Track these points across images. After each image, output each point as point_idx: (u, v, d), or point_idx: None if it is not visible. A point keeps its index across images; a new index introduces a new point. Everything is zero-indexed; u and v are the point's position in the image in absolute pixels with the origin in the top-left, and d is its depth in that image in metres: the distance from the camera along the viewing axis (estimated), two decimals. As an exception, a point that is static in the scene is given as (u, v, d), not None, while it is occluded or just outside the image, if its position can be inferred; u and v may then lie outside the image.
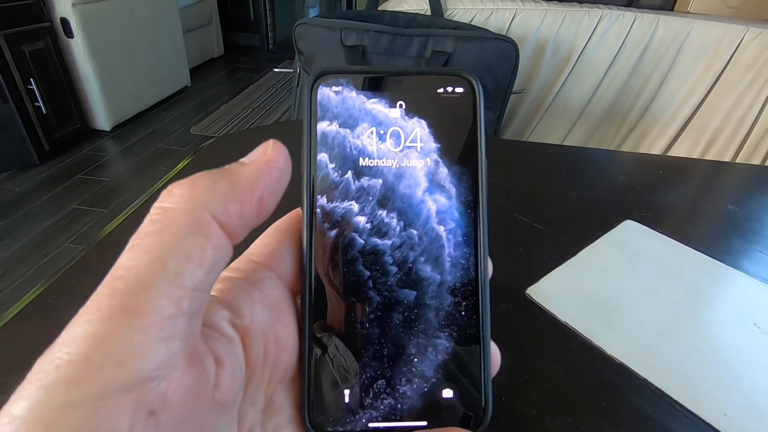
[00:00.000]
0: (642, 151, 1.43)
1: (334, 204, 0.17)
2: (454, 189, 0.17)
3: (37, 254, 1.49)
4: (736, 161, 1.31)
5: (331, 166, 0.17)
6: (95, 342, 0.11)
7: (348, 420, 0.16)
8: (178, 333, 0.12)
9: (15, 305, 0.35)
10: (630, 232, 0.49)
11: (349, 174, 0.17)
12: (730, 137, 1.32)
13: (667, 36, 1.30)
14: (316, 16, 1.18)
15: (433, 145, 0.17)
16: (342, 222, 0.17)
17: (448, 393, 0.16)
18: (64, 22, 1.94)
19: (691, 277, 0.44)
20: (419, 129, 0.17)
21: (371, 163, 0.17)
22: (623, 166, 0.67)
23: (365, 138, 0.17)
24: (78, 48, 2.00)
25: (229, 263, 0.15)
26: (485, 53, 1.13)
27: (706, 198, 0.61)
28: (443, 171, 0.17)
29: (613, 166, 0.67)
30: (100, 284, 0.12)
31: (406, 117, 0.18)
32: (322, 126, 0.17)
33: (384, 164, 0.17)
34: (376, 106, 0.17)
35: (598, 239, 0.48)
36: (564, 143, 1.48)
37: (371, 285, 0.17)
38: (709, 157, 1.35)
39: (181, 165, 0.57)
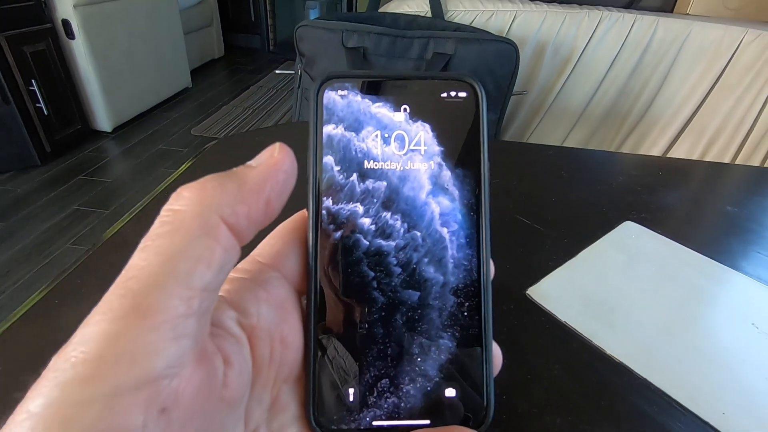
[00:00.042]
0: (642, 152, 1.43)
1: (339, 206, 0.17)
2: (457, 191, 0.18)
3: (38, 255, 1.49)
4: (736, 162, 1.31)
5: (336, 168, 0.17)
6: (109, 341, 0.11)
7: (352, 418, 0.16)
8: (189, 332, 0.12)
9: (22, 305, 0.36)
10: (630, 233, 0.50)
11: (354, 176, 0.17)
12: (729, 138, 1.32)
13: (667, 37, 1.31)
14: (316, 18, 1.18)
15: (436, 149, 0.18)
16: (347, 223, 0.17)
17: (450, 392, 0.17)
18: (66, 23, 1.94)
19: (690, 277, 0.44)
20: (423, 132, 0.18)
21: (376, 165, 0.18)
22: (623, 168, 0.67)
23: (370, 141, 0.18)
24: (79, 49, 2.00)
25: (236, 264, 0.15)
26: (486, 55, 1.13)
27: (705, 199, 0.62)
28: (446, 174, 0.18)
29: (612, 168, 0.68)
30: (113, 284, 0.12)
31: (411, 121, 0.18)
32: (328, 129, 0.17)
33: (388, 167, 0.18)
34: (380, 109, 0.18)
35: (598, 240, 0.48)
36: (564, 144, 1.48)
37: (375, 285, 0.17)
38: (709, 158, 1.35)
39: (183, 167, 0.57)
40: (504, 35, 1.31)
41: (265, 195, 0.14)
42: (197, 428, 0.12)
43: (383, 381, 0.17)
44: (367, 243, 0.17)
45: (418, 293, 0.17)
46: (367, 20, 1.21)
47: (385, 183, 0.17)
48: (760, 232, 0.52)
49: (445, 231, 0.17)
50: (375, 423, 0.16)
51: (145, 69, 2.40)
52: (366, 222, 0.17)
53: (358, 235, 0.17)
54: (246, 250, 0.15)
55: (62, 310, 0.36)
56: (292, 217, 0.18)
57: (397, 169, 0.18)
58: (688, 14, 1.38)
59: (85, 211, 1.71)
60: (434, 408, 0.17)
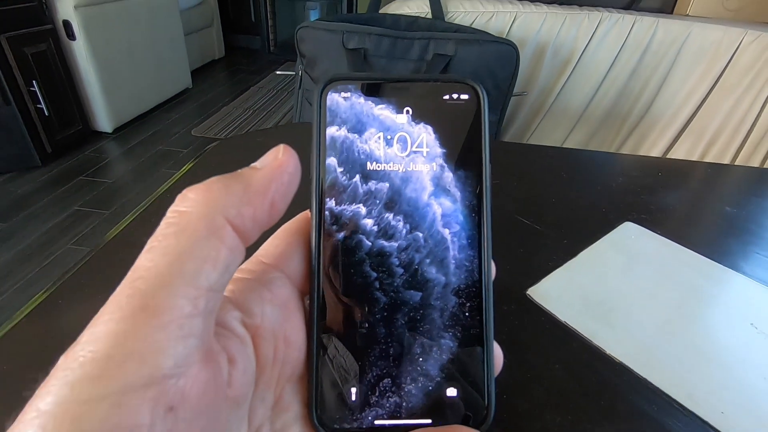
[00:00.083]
0: (642, 152, 1.43)
1: (342, 207, 0.17)
2: (458, 193, 0.18)
3: (40, 255, 1.49)
4: (735, 163, 1.31)
5: (339, 169, 0.17)
6: (117, 340, 0.11)
7: (354, 417, 0.16)
8: (195, 332, 0.12)
9: (27, 304, 0.36)
10: (629, 234, 0.50)
11: (357, 178, 0.18)
12: (729, 139, 1.32)
13: (667, 39, 1.31)
14: (317, 20, 1.18)
15: (438, 150, 0.18)
16: (349, 224, 0.17)
17: (452, 392, 0.17)
18: (66, 24, 1.95)
19: (689, 278, 0.44)
20: (425, 134, 0.18)
21: (378, 167, 0.18)
22: (622, 169, 0.68)
23: (373, 143, 0.18)
24: (80, 50, 2.01)
25: (241, 264, 0.15)
26: (486, 56, 1.13)
27: (704, 200, 0.62)
28: (448, 175, 0.18)
29: (612, 169, 0.68)
30: (120, 285, 0.12)
31: (413, 123, 0.18)
32: (331, 131, 0.18)
33: (391, 168, 0.18)
34: (383, 111, 0.18)
35: (598, 241, 0.48)
36: (564, 145, 1.48)
37: (377, 286, 0.17)
38: (709, 158, 1.35)
39: (185, 168, 0.57)
40: (504, 36, 1.32)
41: (270, 196, 0.15)
42: (203, 427, 0.12)
43: (385, 380, 0.17)
44: (370, 244, 0.17)
45: (420, 294, 0.17)
46: (367, 21, 1.21)
47: (387, 184, 0.18)
48: (759, 232, 0.53)
49: (446, 232, 0.18)
50: (377, 422, 0.16)
51: (145, 70, 2.40)
52: (368, 223, 0.17)
53: (360, 235, 0.17)
54: (250, 250, 0.15)
55: (67, 310, 0.36)
56: (295, 217, 0.18)
57: (400, 171, 0.18)
58: (687, 15, 1.38)
59: (86, 211, 1.71)
60: (436, 407, 0.17)
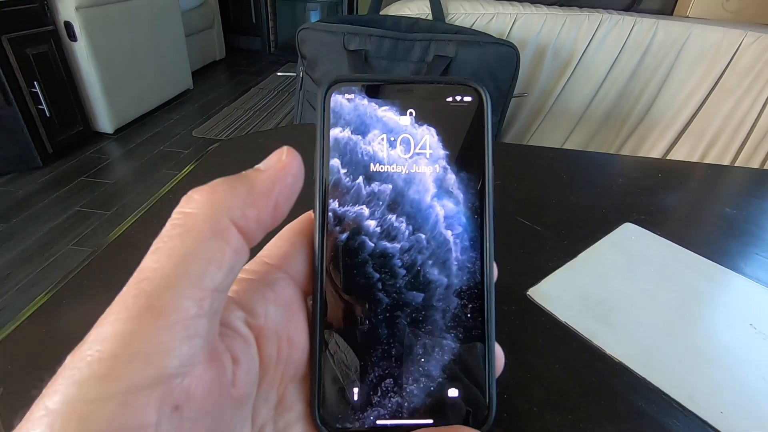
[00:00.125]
0: (642, 154, 1.43)
1: (346, 208, 0.17)
2: (461, 195, 0.18)
3: (41, 256, 1.49)
4: (735, 164, 1.31)
5: (343, 171, 0.18)
6: (124, 340, 0.11)
7: (356, 417, 0.16)
8: (200, 332, 0.12)
9: (30, 305, 0.36)
10: (629, 235, 0.50)
11: (361, 179, 0.18)
12: (729, 140, 1.33)
13: (667, 40, 1.31)
14: (318, 21, 1.18)
15: (441, 152, 0.18)
16: (353, 225, 0.17)
17: (453, 392, 0.17)
18: (68, 25, 1.95)
19: (689, 278, 0.44)
20: (428, 136, 0.18)
21: (382, 168, 0.18)
22: (622, 170, 0.68)
23: (376, 144, 0.18)
24: (81, 51, 2.01)
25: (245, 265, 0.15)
26: (486, 57, 1.14)
27: (704, 201, 0.62)
28: (451, 177, 0.18)
29: (612, 170, 0.68)
30: (126, 285, 0.12)
31: (416, 124, 0.18)
32: (335, 132, 0.18)
33: (394, 170, 0.18)
34: (387, 113, 0.18)
35: (598, 242, 0.48)
36: (564, 146, 1.48)
37: (380, 287, 0.17)
38: (709, 160, 1.36)
39: (186, 169, 0.57)
40: (505, 38, 1.32)
41: (274, 198, 0.15)
42: (208, 426, 0.13)
43: (387, 381, 0.17)
44: (373, 245, 0.17)
45: (423, 295, 0.17)
46: (368, 23, 1.21)
47: (390, 186, 0.18)
48: (758, 233, 0.53)
49: (449, 234, 0.18)
50: (379, 422, 0.17)
51: (146, 71, 2.41)
52: (371, 224, 0.17)
53: (363, 237, 0.17)
54: (253, 251, 0.15)
55: (69, 311, 0.36)
56: (298, 218, 0.18)
57: (403, 172, 0.18)
58: (687, 17, 1.38)
59: (87, 212, 1.71)
60: (437, 408, 0.17)
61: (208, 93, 2.89)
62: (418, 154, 0.18)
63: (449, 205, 0.18)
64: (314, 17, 3.52)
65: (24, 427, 0.10)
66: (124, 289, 0.12)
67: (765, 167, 1.26)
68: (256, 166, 0.15)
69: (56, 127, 1.96)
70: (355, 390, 0.17)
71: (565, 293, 0.41)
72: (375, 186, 0.18)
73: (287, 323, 0.16)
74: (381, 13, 1.36)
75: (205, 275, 0.13)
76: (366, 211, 0.17)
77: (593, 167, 0.69)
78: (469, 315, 0.17)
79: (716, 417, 0.32)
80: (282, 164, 0.15)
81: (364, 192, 0.18)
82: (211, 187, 0.14)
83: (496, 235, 0.18)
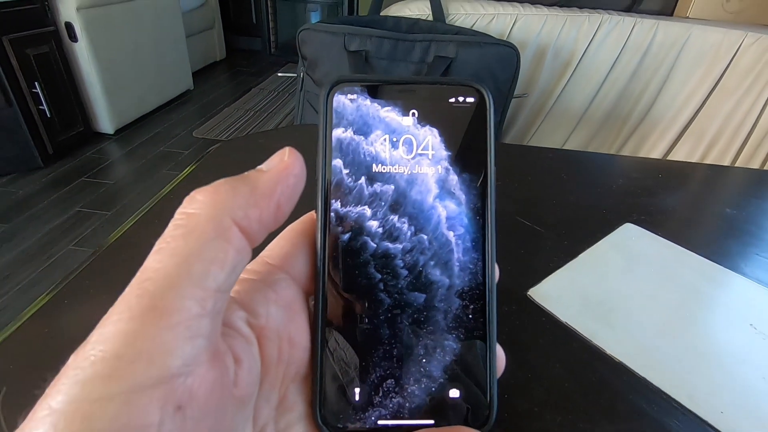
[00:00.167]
0: (642, 154, 1.43)
1: (348, 208, 0.17)
2: (463, 196, 0.18)
3: (41, 257, 1.49)
4: (735, 165, 1.31)
5: (345, 171, 0.18)
6: (127, 339, 0.11)
7: (357, 417, 0.17)
8: (203, 332, 0.12)
9: (32, 305, 0.36)
10: (629, 235, 0.50)
11: (363, 179, 0.18)
12: (729, 141, 1.33)
13: (667, 41, 1.31)
14: (319, 22, 1.19)
15: (444, 153, 0.18)
16: (355, 226, 0.17)
17: (454, 393, 0.17)
18: (69, 26, 1.95)
19: (689, 279, 0.44)
20: (431, 137, 0.18)
21: (384, 169, 0.18)
22: (623, 170, 0.68)
23: (379, 145, 0.18)
24: (82, 52, 2.01)
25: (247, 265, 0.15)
26: (487, 58, 1.14)
27: (704, 201, 0.62)
28: (453, 178, 0.18)
29: (612, 170, 0.68)
30: (129, 285, 0.12)
31: (419, 125, 0.18)
32: (337, 133, 0.18)
33: (396, 171, 0.18)
34: (389, 114, 0.18)
35: (598, 242, 0.48)
36: (564, 147, 1.48)
37: (382, 287, 0.17)
38: (709, 160, 1.36)
39: (187, 170, 0.57)
40: (505, 38, 1.32)
41: (276, 198, 0.15)
42: (210, 425, 0.13)
43: (389, 381, 0.17)
44: (375, 245, 0.17)
45: (424, 295, 0.17)
46: (368, 24, 1.21)
47: (392, 186, 0.18)
48: (759, 234, 0.53)
49: (451, 234, 0.18)
50: (380, 422, 0.17)
51: (147, 71, 2.41)
52: (373, 225, 0.17)
53: (365, 237, 0.17)
54: (255, 251, 0.15)
55: (71, 311, 0.36)
56: (300, 219, 0.18)
57: (405, 173, 0.18)
58: (687, 17, 1.38)
59: (88, 212, 1.71)
60: (438, 408, 0.17)
61: (209, 93, 2.90)
62: (420, 154, 0.18)
63: (451, 205, 0.18)
64: (315, 18, 3.52)
65: (28, 426, 0.11)
66: (127, 289, 0.12)
67: (765, 168, 1.26)
68: (259, 167, 0.15)
69: (57, 128, 1.97)
70: (357, 390, 0.17)
71: (566, 293, 0.41)
72: (377, 186, 0.18)
73: (288, 323, 0.16)
74: (381, 13, 1.37)
75: (208, 275, 0.13)
76: (368, 211, 0.17)
77: (593, 168, 0.69)
78: (470, 316, 0.17)
79: (716, 417, 0.32)
80: (284, 165, 0.15)
81: (366, 192, 0.18)
82: (214, 187, 0.14)
83: (497, 235, 0.18)
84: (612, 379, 0.34)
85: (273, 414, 0.16)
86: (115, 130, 2.26)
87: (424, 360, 0.17)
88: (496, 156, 0.18)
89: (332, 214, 0.17)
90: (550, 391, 0.33)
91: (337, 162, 0.18)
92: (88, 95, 2.13)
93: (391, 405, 0.17)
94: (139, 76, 2.36)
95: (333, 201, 0.17)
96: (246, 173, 0.15)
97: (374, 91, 0.18)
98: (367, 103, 0.18)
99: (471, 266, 0.18)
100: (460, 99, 0.18)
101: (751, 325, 0.40)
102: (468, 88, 0.18)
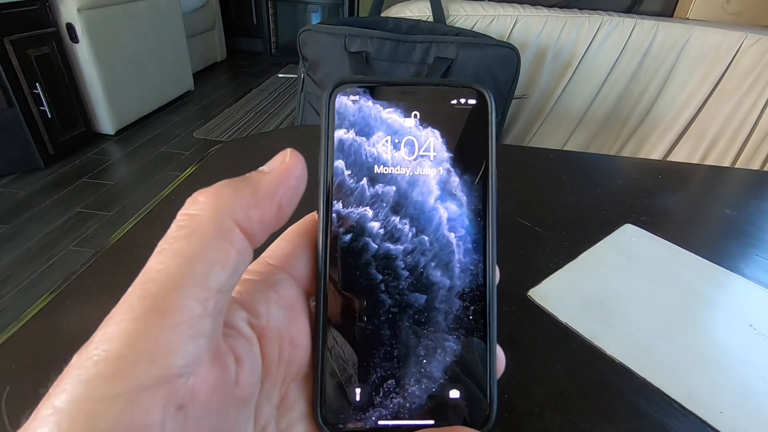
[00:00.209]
0: (642, 155, 1.43)
1: (349, 209, 0.17)
2: (464, 197, 0.18)
3: (42, 257, 1.49)
4: (736, 166, 1.31)
5: (347, 172, 0.18)
6: (129, 340, 0.11)
7: (358, 417, 0.17)
8: (205, 332, 0.12)
9: (33, 305, 0.36)
10: (629, 236, 0.50)
11: (365, 181, 0.18)
12: (729, 142, 1.33)
13: (667, 42, 1.31)
14: (319, 23, 1.19)
15: (445, 155, 0.18)
16: (356, 227, 0.17)
17: (455, 393, 0.17)
18: (70, 27, 1.95)
19: (689, 280, 0.44)
20: (433, 138, 0.18)
21: (386, 170, 0.18)
22: (623, 171, 0.68)
23: (380, 146, 0.18)
24: (83, 53, 2.01)
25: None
26: (487, 59, 1.14)
27: (704, 202, 0.62)
28: (455, 180, 0.18)
29: (612, 171, 0.68)
30: (131, 286, 0.12)
31: (421, 127, 0.18)
32: (339, 134, 0.18)
33: (398, 172, 0.18)
34: (391, 115, 0.18)
35: (598, 243, 0.48)
36: (565, 148, 1.48)
37: (383, 288, 0.17)
38: (709, 161, 1.36)
39: (188, 171, 0.57)
40: (505, 40, 1.32)
41: (278, 200, 0.15)
42: (211, 425, 0.13)
43: (389, 381, 0.17)
44: (376, 246, 0.17)
45: (425, 296, 0.17)
46: (369, 25, 1.22)
47: (394, 188, 0.18)
48: (758, 235, 0.53)
49: (452, 236, 0.18)
50: (380, 422, 0.17)
51: (148, 72, 2.41)
52: (375, 226, 0.18)
53: (366, 238, 0.17)
54: (257, 252, 0.15)
55: (73, 311, 0.36)
56: (302, 219, 0.18)
57: (407, 174, 0.18)
58: (687, 19, 1.39)
59: (88, 213, 1.71)
60: (438, 408, 0.17)
61: (209, 94, 2.90)
62: (422, 156, 0.18)
63: (452, 207, 0.18)
64: (315, 19, 3.52)
65: (31, 425, 0.11)
66: (130, 289, 0.12)
67: (765, 169, 1.26)
68: (260, 168, 0.15)
69: (58, 129, 1.97)
70: (357, 390, 0.17)
71: (566, 294, 0.41)
72: (379, 188, 0.18)
73: (289, 324, 0.16)
74: (382, 14, 1.37)
75: (210, 276, 0.13)
76: (369, 212, 0.18)
77: (593, 169, 0.69)
78: (470, 317, 0.17)
79: (716, 417, 0.32)
80: (286, 166, 0.15)
81: (367, 193, 0.18)
82: (216, 189, 0.14)
83: (498, 237, 0.18)
84: (612, 379, 0.34)
85: (274, 413, 0.16)
86: (115, 131, 2.26)
87: (424, 360, 0.17)
88: (497, 157, 0.18)
89: (334, 214, 0.17)
90: (549, 391, 0.33)
91: (339, 163, 0.18)
92: (89, 96, 2.13)
93: (391, 405, 0.17)
94: (140, 77, 2.36)
95: (335, 202, 0.17)
96: (247, 175, 0.15)
97: (376, 93, 0.18)
98: (369, 105, 0.18)
99: (472, 267, 0.18)
100: (462, 101, 0.18)
101: (750, 325, 0.40)
102: (469, 89, 0.18)
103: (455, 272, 0.18)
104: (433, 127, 0.18)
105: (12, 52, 1.72)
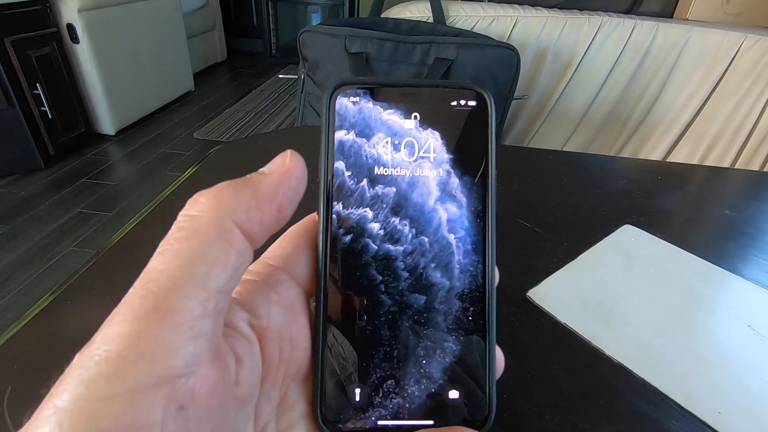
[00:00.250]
0: (642, 156, 1.43)
1: (349, 210, 0.18)
2: (464, 199, 0.18)
3: (42, 257, 1.49)
4: (735, 167, 1.31)
5: (347, 173, 0.18)
6: (131, 340, 0.12)
7: (358, 417, 0.17)
8: (205, 332, 0.13)
9: (35, 305, 0.36)
10: (629, 237, 0.50)
11: (365, 182, 0.18)
12: (728, 143, 1.33)
13: (667, 43, 1.31)
14: (319, 24, 1.19)
15: (445, 156, 0.18)
16: (356, 228, 0.18)
17: (454, 394, 0.17)
18: (70, 27, 1.96)
19: (688, 280, 0.45)
20: (433, 140, 0.18)
21: (386, 171, 0.18)
22: (622, 172, 0.68)
23: (381, 147, 0.18)
24: (83, 53, 2.02)
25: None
26: (487, 60, 1.14)
27: (703, 203, 0.62)
28: (455, 181, 0.18)
29: (612, 172, 0.68)
30: (132, 286, 0.13)
31: (421, 128, 0.18)
32: (340, 135, 0.18)
33: (398, 173, 0.18)
34: (391, 116, 0.18)
35: (598, 243, 0.49)
36: (564, 149, 1.48)
37: (383, 289, 0.17)
38: (709, 162, 1.36)
39: (189, 171, 0.58)
40: (505, 40, 1.32)
41: (278, 201, 0.15)
42: (212, 425, 0.13)
43: (389, 382, 0.17)
44: (376, 247, 0.18)
45: (425, 297, 0.18)
46: (369, 26, 1.22)
47: (394, 189, 0.18)
48: (758, 235, 0.53)
49: (452, 237, 0.18)
50: (380, 422, 0.17)
51: (148, 73, 2.41)
52: (375, 227, 0.18)
53: (366, 239, 0.17)
54: (257, 252, 0.15)
55: (74, 311, 0.36)
56: (302, 220, 0.18)
57: (407, 176, 0.18)
58: (687, 20, 1.39)
59: (89, 213, 1.71)
60: (438, 409, 0.17)
61: (210, 95, 2.90)
62: (422, 157, 0.18)
63: (452, 208, 0.18)
64: (315, 20, 3.52)
65: (33, 425, 0.11)
66: (131, 290, 0.12)
67: (765, 169, 1.26)
68: (261, 170, 0.16)
69: (58, 129, 1.97)
70: (357, 390, 0.17)
71: (565, 294, 0.42)
72: (379, 189, 0.18)
73: (290, 324, 0.16)
74: (382, 15, 1.37)
75: (210, 277, 0.13)
76: (370, 213, 0.18)
77: (593, 169, 0.69)
78: (470, 318, 0.18)
79: (714, 417, 0.32)
80: (286, 168, 0.15)
81: (367, 195, 0.18)
82: (217, 190, 0.14)
83: (497, 238, 0.18)
84: (611, 379, 0.34)
85: (274, 413, 0.16)
86: (116, 132, 2.26)
87: (423, 361, 0.17)
88: (497, 159, 0.18)
89: (334, 215, 0.17)
90: (549, 391, 0.33)
91: (339, 164, 0.18)
92: (90, 96, 2.13)
93: (391, 405, 0.17)
94: (140, 77, 2.36)
95: (335, 203, 0.17)
96: (248, 176, 0.15)
97: (376, 94, 0.18)
98: (369, 106, 0.18)
99: (471, 269, 0.18)
100: (462, 102, 0.18)
101: (749, 326, 0.40)
102: (470, 91, 0.18)
103: (455, 273, 0.18)
104: (433, 128, 0.18)
105: (13, 53, 1.72)
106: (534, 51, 1.36)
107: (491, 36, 1.27)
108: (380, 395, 0.17)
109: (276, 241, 0.18)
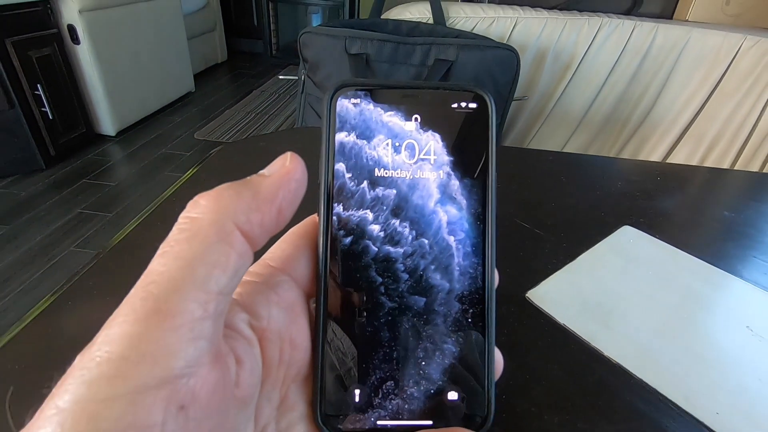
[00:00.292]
0: (641, 157, 1.43)
1: (350, 212, 0.18)
2: (464, 201, 0.18)
3: (42, 258, 1.50)
4: (735, 168, 1.31)
5: (347, 175, 0.18)
6: (132, 341, 0.12)
7: (357, 418, 0.17)
8: (205, 334, 0.13)
9: (36, 306, 0.36)
10: (628, 238, 0.50)
11: (365, 183, 0.18)
12: (728, 144, 1.33)
13: (666, 44, 1.31)
14: (320, 25, 1.19)
15: (446, 158, 0.18)
16: (356, 229, 0.18)
17: (453, 395, 0.17)
18: (71, 28, 1.96)
19: (687, 281, 0.45)
20: (433, 142, 0.18)
21: (386, 173, 0.18)
22: (622, 173, 0.68)
23: (381, 149, 0.18)
24: (84, 54, 2.02)
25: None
26: (487, 61, 1.14)
27: (703, 204, 0.62)
28: (455, 183, 0.18)
29: (612, 173, 0.69)
30: (133, 288, 0.13)
31: (421, 130, 0.18)
32: (340, 136, 0.18)
33: (398, 175, 0.18)
34: (392, 118, 0.18)
35: (597, 244, 0.49)
36: (564, 150, 1.49)
37: (383, 290, 0.18)
38: (708, 163, 1.36)
39: (189, 172, 0.58)
40: (505, 42, 1.32)
41: (278, 203, 0.15)
42: (212, 426, 0.13)
43: (388, 382, 0.17)
44: (376, 249, 0.18)
45: (424, 299, 0.18)
46: (369, 27, 1.22)
47: (394, 191, 0.18)
48: (757, 236, 0.53)
49: (452, 239, 0.18)
50: (380, 423, 0.17)
51: (149, 73, 2.42)
52: (375, 228, 0.18)
53: (367, 241, 0.18)
54: (257, 254, 0.15)
55: (75, 312, 0.37)
56: (302, 222, 0.18)
57: (407, 178, 0.18)
58: (687, 20, 1.39)
59: (89, 214, 1.72)
60: (437, 409, 0.17)
61: (210, 96, 2.90)
62: (422, 159, 0.18)
63: (452, 210, 0.18)
64: (316, 21, 3.52)
65: (35, 425, 0.11)
66: (132, 291, 0.13)
67: (764, 171, 1.26)
68: (261, 172, 0.16)
69: (59, 130, 1.97)
70: (356, 391, 0.17)
71: (564, 295, 0.42)
72: (379, 191, 0.18)
73: (290, 325, 0.16)
74: (382, 17, 1.37)
75: (211, 279, 0.13)
76: (370, 215, 0.18)
77: (593, 170, 0.69)
78: (469, 319, 0.18)
79: (712, 418, 0.32)
80: (286, 170, 0.16)
81: (368, 196, 0.18)
82: (217, 192, 0.14)
83: (497, 240, 0.18)
84: (610, 380, 0.35)
85: (274, 414, 0.16)
86: (116, 132, 2.26)
87: (423, 362, 0.17)
88: (497, 162, 0.18)
89: (334, 217, 0.18)
90: (548, 391, 0.33)
91: (340, 166, 0.18)
92: (90, 97, 2.13)
93: (390, 406, 0.17)
94: (141, 78, 2.37)
95: (335, 204, 0.18)
96: (248, 178, 0.15)
97: (377, 96, 0.18)
98: (370, 108, 0.18)
99: (471, 271, 0.18)
100: (463, 104, 0.18)
101: (747, 327, 0.40)
102: (470, 93, 0.18)
103: (454, 275, 0.18)
104: (434, 130, 0.18)
105: (13, 54, 1.73)
106: (534, 52, 1.36)
107: (491, 37, 1.27)
108: (380, 396, 0.17)
109: (276, 243, 0.18)
